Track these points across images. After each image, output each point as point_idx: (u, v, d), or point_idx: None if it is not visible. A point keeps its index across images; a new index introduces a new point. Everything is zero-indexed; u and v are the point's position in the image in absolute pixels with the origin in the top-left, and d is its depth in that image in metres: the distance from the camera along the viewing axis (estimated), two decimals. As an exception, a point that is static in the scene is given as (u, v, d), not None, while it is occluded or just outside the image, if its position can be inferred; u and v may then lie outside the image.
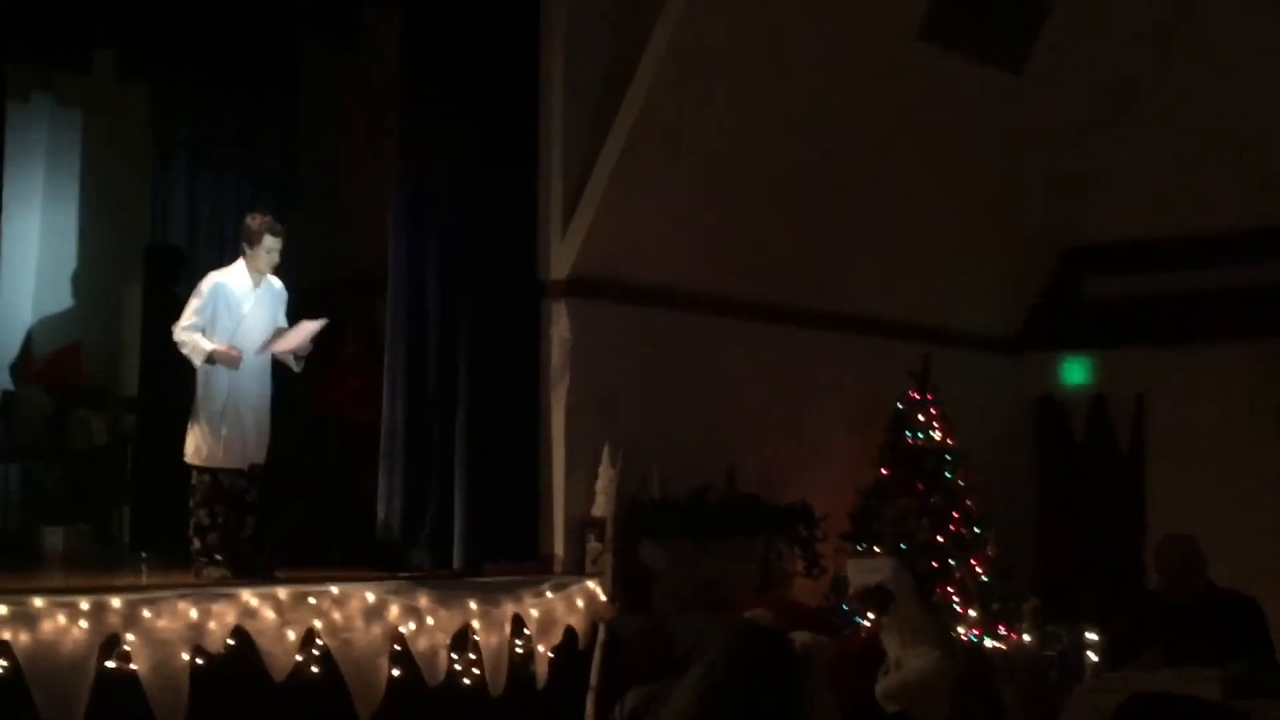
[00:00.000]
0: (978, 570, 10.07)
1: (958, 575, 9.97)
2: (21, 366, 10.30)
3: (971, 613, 9.92)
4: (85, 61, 9.13)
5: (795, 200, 10.15)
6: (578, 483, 9.21)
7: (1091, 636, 9.89)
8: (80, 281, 10.75)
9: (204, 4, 8.65)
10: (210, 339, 7.93)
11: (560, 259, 9.32)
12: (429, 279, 9.10)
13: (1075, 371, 12.33)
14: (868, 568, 9.10)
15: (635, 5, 9.34)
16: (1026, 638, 10.08)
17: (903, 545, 9.92)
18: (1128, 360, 11.94)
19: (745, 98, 9.51)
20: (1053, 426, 12.39)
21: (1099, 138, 11.82)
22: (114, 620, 6.94)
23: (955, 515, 10.12)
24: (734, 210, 9.84)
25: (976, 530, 10.17)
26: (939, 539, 9.98)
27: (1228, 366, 11.41)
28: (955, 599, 9.90)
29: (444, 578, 8.56)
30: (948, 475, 10.23)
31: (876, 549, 9.90)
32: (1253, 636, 7.33)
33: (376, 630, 7.85)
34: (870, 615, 8.78)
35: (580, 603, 8.80)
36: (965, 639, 9.79)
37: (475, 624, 8.24)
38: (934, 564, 9.91)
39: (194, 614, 7.19)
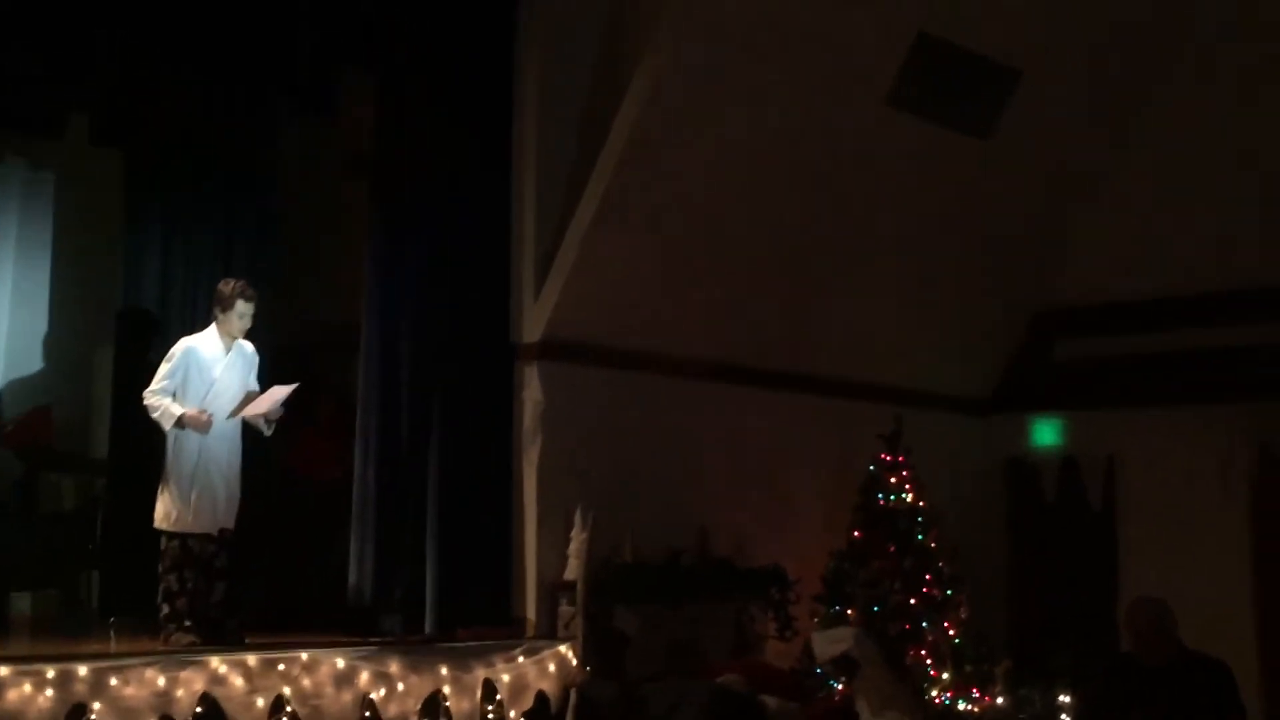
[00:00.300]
0: (950, 632, 10.05)
1: (930, 638, 9.95)
2: (-9, 430, 10.25)
3: (944, 675, 9.89)
4: (59, 126, 9.14)
5: (767, 264, 10.21)
6: (550, 546, 9.20)
7: (1065, 699, 9.88)
8: (51, 344, 10.73)
9: (178, 71, 8.67)
10: (181, 403, 7.92)
11: (533, 322, 9.36)
12: (402, 342, 9.12)
13: (1046, 433, 12.39)
14: (832, 638, 9.15)
15: (608, 73, 9.44)
16: (999, 700, 10.05)
17: (875, 608, 9.90)
18: (1098, 422, 12.01)
19: (716, 164, 9.59)
20: (1024, 488, 12.44)
21: (1069, 202, 11.93)
22: (80, 689, 6.88)
23: (928, 577, 10.10)
24: (706, 274, 9.90)
25: (949, 592, 10.16)
26: (911, 601, 9.96)
27: (1198, 428, 11.47)
28: (928, 661, 9.87)
29: (415, 643, 8.52)
30: (920, 537, 10.23)
31: (849, 612, 9.89)
32: (1224, 699, 7.33)
33: (347, 697, 7.81)
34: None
35: (552, 667, 8.76)
36: (938, 702, 9.76)
37: (446, 690, 8.20)
38: (906, 626, 9.88)
39: (161, 681, 7.14)
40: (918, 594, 10.00)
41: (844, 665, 8.38)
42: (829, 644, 8.93)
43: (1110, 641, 10.60)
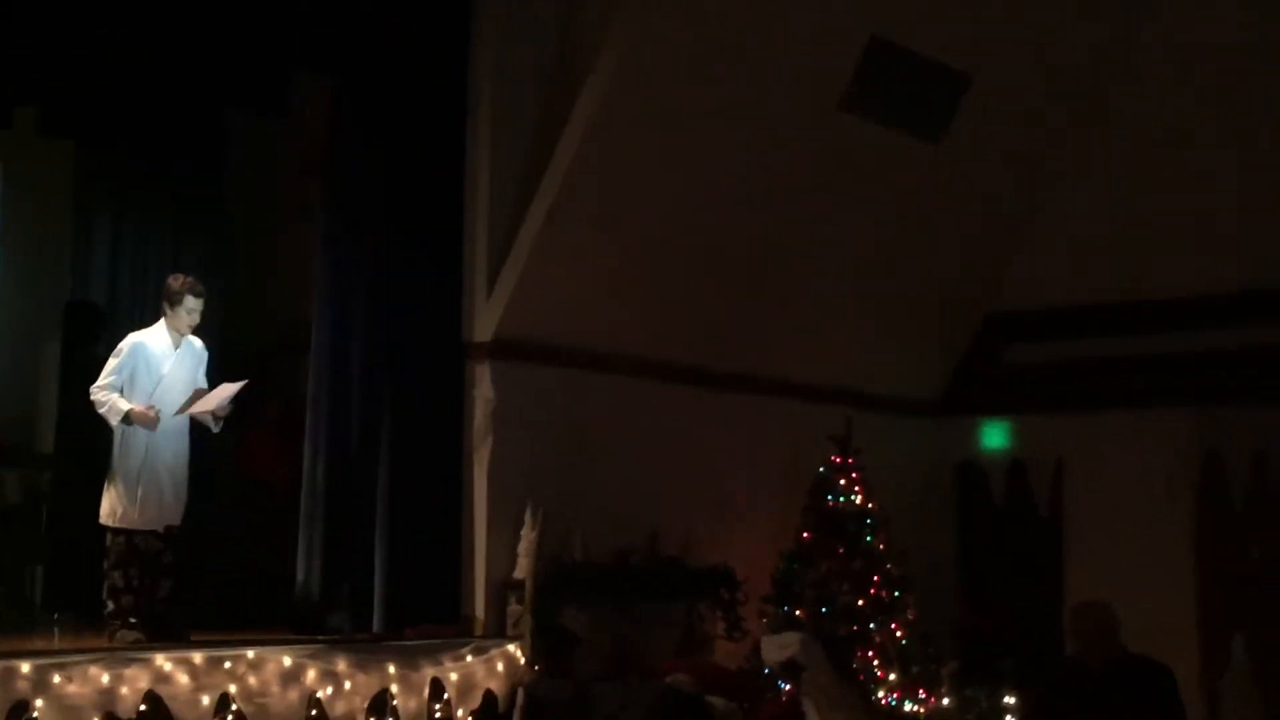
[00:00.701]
0: (898, 634, 10.11)
1: (878, 639, 10.01)
2: (-65, 424, 10.13)
3: (891, 676, 9.95)
4: (6, 116, 9.05)
5: (718, 265, 10.25)
6: (500, 544, 9.20)
7: (1010, 700, 9.95)
8: (-4, 338, 10.61)
9: (129, 63, 8.61)
10: (129, 399, 7.86)
11: (484, 321, 9.36)
12: (352, 341, 9.10)
13: (995, 436, 12.48)
14: (778, 643, 9.21)
15: (561, 74, 9.46)
16: (945, 701, 10.12)
17: (824, 609, 9.95)
18: (1046, 426, 12.11)
19: (667, 165, 9.61)
20: (973, 491, 12.52)
21: (1018, 205, 12.03)
22: (23, 686, 6.82)
23: (876, 579, 10.16)
24: (657, 274, 9.92)
25: (897, 594, 10.22)
26: (860, 603, 10.02)
27: (1145, 432, 11.58)
28: (875, 663, 9.93)
29: (363, 641, 8.49)
30: (869, 539, 10.28)
31: (799, 613, 9.93)
32: (1166, 701, 7.42)
33: (293, 695, 7.78)
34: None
35: (500, 666, 8.76)
36: (885, 703, 9.82)
37: (394, 688, 8.18)
38: (854, 628, 9.94)
39: (106, 679, 7.09)
40: (866, 595, 10.06)
41: (790, 669, 8.43)
42: (776, 649, 8.99)
43: (1056, 644, 10.70)
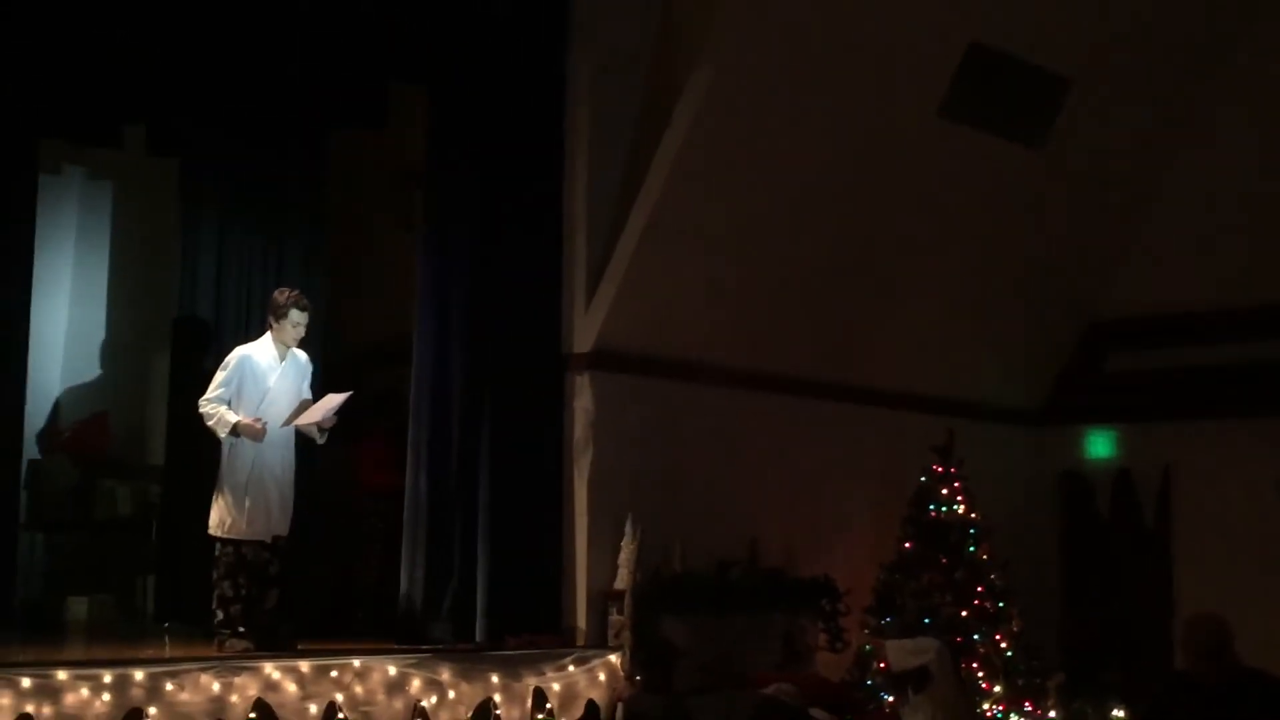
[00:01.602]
0: (1002, 645, 9.99)
1: (982, 650, 9.88)
2: (49, 436, 10.37)
3: (996, 688, 9.83)
4: (116, 136, 9.26)
5: (818, 275, 10.20)
6: (600, 555, 9.21)
7: (1118, 714, 9.79)
8: (108, 352, 10.84)
9: (233, 82, 8.77)
10: (236, 411, 7.99)
11: (584, 332, 9.38)
12: (453, 352, 9.16)
13: (1100, 445, 12.28)
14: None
15: (659, 84, 9.45)
16: (1052, 714, 9.98)
17: (926, 620, 9.85)
18: (1153, 434, 11.90)
19: (765, 175, 9.58)
20: (1077, 501, 12.34)
21: (1122, 210, 11.85)
22: (137, 693, 6.96)
23: (979, 590, 10.05)
24: (757, 284, 9.89)
25: (1001, 605, 10.10)
26: (963, 614, 9.91)
27: (1254, 440, 11.35)
28: (980, 674, 9.81)
29: (466, 651, 8.55)
30: (971, 549, 10.17)
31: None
32: (1280, 717, 7.24)
33: (398, 704, 7.85)
34: (895, 693, 8.72)
35: (602, 676, 8.76)
36: (990, 715, 9.70)
37: (497, 698, 8.22)
38: (958, 639, 9.82)
39: (216, 687, 7.22)
40: (969, 606, 9.95)
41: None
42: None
43: (1165, 657, 10.51)
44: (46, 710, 6.69)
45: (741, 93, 9.23)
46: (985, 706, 9.71)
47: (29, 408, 8.98)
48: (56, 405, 10.55)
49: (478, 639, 8.84)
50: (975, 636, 9.92)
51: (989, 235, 11.02)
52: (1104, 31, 10.50)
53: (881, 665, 9.50)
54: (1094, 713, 9.97)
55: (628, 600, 8.90)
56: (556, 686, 8.52)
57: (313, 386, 8.38)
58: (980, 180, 10.64)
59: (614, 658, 8.86)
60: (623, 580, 9.11)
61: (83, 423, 10.49)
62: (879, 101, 9.78)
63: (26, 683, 6.69)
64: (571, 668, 8.66)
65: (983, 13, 9.96)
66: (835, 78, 9.51)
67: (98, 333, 10.85)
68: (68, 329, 10.72)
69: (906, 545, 10.20)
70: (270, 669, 7.44)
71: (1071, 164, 11.06)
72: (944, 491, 10.27)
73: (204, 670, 7.22)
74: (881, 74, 9.69)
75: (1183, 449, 11.70)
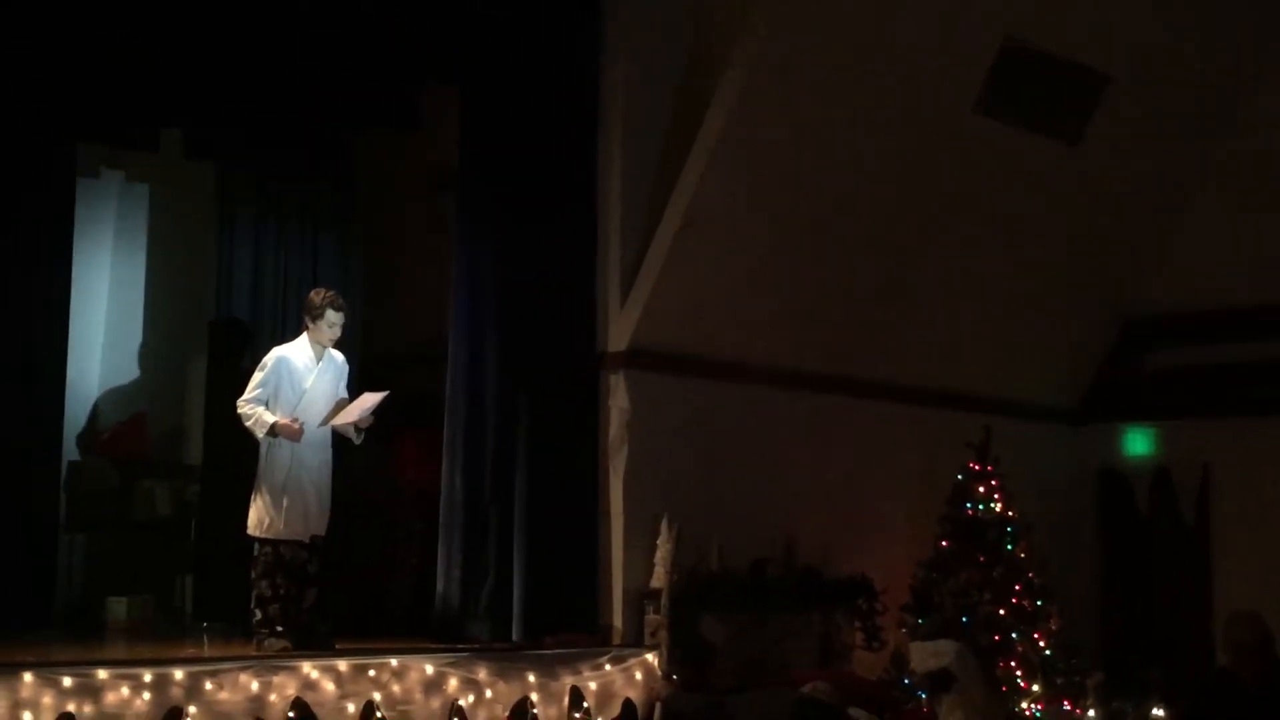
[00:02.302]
0: (1041, 644, 9.92)
1: (1020, 649, 9.82)
2: (88, 437, 10.45)
3: (1035, 687, 9.77)
4: (153, 140, 9.34)
5: (854, 272, 10.17)
6: (636, 554, 9.20)
7: (1158, 713, 9.72)
8: (146, 354, 10.92)
9: (267, 86, 8.83)
10: (273, 412, 8.03)
11: (619, 331, 9.38)
12: (488, 351, 9.18)
13: (1138, 443, 12.20)
14: (931, 651, 9.04)
15: (692, 80, 9.45)
16: (1091, 713, 9.91)
17: (965, 618, 9.80)
18: (1192, 431, 11.80)
19: (800, 172, 9.56)
20: (1116, 499, 12.26)
21: (1160, 206, 11.77)
22: (177, 692, 7.01)
23: (1017, 588, 9.98)
24: (790, 282, 9.87)
25: (1039, 603, 10.02)
26: (1001, 612, 9.84)
27: (1294, 437, 11.27)
28: (1018, 673, 9.75)
29: (503, 650, 8.56)
30: (1009, 547, 10.10)
31: (940, 622, 9.79)
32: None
33: (435, 703, 7.87)
34: (926, 694, 8.69)
35: (639, 675, 8.76)
36: (1029, 714, 9.64)
37: (534, 697, 8.23)
38: (996, 638, 9.77)
39: (255, 686, 7.26)
40: (1007, 605, 9.88)
41: (941, 679, 8.30)
42: (928, 657, 8.84)
43: (1205, 656, 10.44)
44: (88, 709, 6.74)
45: (775, 91, 9.21)
46: (1024, 705, 9.65)
47: (68, 410, 9.08)
48: (95, 407, 10.62)
49: (514, 638, 8.86)
50: (1013, 635, 9.84)
51: (1026, 231, 10.96)
52: (1142, 27, 10.43)
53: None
54: (1133, 712, 9.88)
55: (665, 599, 8.89)
56: (593, 686, 8.52)
57: (348, 387, 8.42)
58: (1016, 176, 10.59)
59: (650, 657, 8.86)
60: (659, 579, 9.10)
61: (121, 424, 10.56)
62: (914, 98, 9.74)
63: (68, 682, 6.75)
64: (608, 667, 8.66)
65: (1017, 8, 9.90)
66: (869, 73, 9.47)
67: (136, 335, 10.93)
68: (106, 331, 10.80)
69: (944, 543, 10.14)
70: (308, 668, 7.48)
71: (1109, 160, 10.98)
72: (981, 489, 10.21)
73: (243, 669, 7.26)
74: (916, 71, 9.65)
75: (1222, 446, 11.60)
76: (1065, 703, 9.86)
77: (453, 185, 9.64)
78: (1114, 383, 12.34)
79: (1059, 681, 9.90)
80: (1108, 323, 12.24)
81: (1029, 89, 10.31)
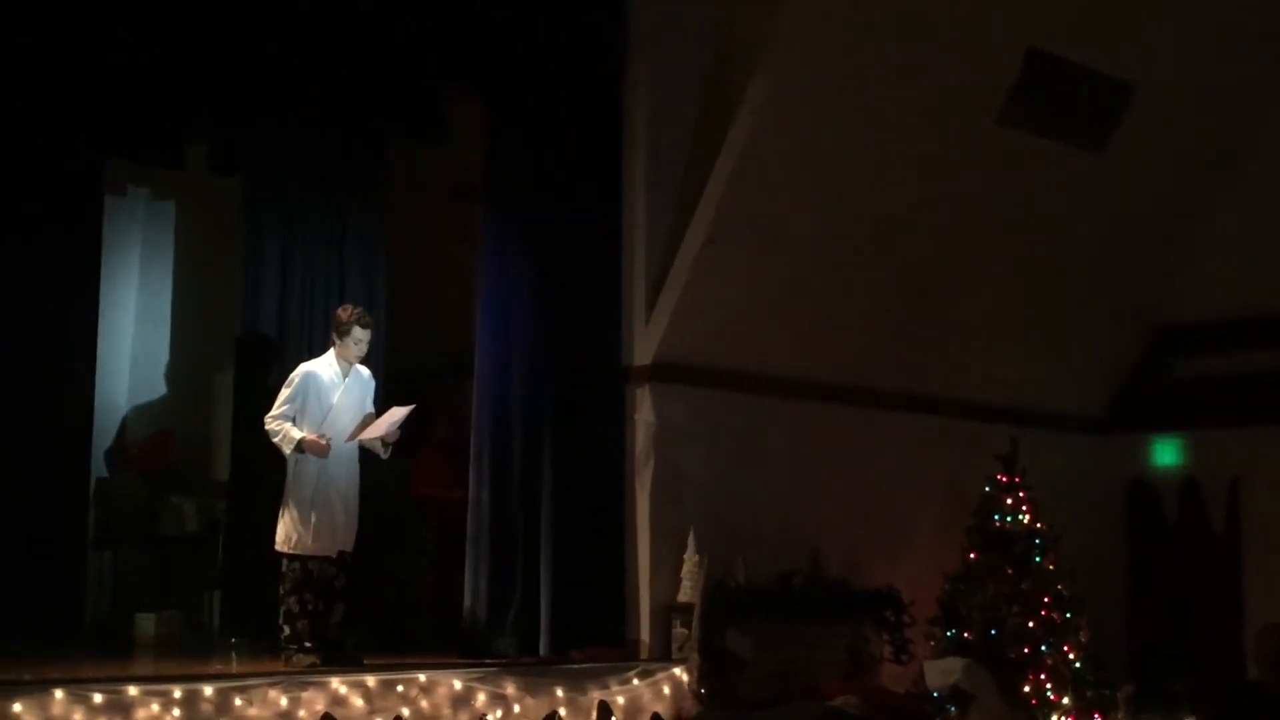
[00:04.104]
0: (1070, 656, 9.88)
1: (1050, 661, 9.79)
2: (116, 453, 10.48)
3: (1064, 700, 9.72)
4: (179, 156, 9.39)
5: (878, 283, 10.15)
6: (663, 568, 9.20)
7: (1189, 724, 9.67)
8: (174, 370, 10.96)
9: (292, 101, 8.86)
10: (300, 427, 8.04)
11: (644, 344, 9.38)
12: (514, 365, 9.18)
13: (1166, 453, 12.12)
14: (941, 669, 9.05)
15: (718, 92, 9.45)
16: (1121, 726, 9.87)
17: (993, 631, 9.77)
18: (1221, 442, 11.72)
19: (826, 184, 9.55)
20: (1144, 509, 12.19)
21: (1190, 215, 11.71)
22: (206, 708, 7.03)
23: (1046, 600, 9.95)
24: (816, 294, 9.86)
25: (1068, 615, 9.99)
26: (1030, 625, 9.81)
27: (1325, 448, 11.19)
28: (1048, 686, 9.71)
29: (530, 664, 8.56)
30: (1037, 559, 10.07)
31: (965, 635, 9.76)
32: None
33: (464, 718, 7.88)
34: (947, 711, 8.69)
35: (667, 690, 8.75)
36: (1058, 727, 9.62)
37: (562, 711, 8.22)
38: (1025, 650, 9.74)
39: (284, 702, 7.27)
40: (1036, 617, 9.85)
41: (957, 696, 8.30)
42: (940, 675, 8.85)
43: (1235, 668, 10.37)
44: (118, 725, 6.76)
45: (799, 104, 9.21)
46: (1054, 718, 9.61)
47: (96, 426, 9.11)
48: (123, 423, 10.66)
49: (542, 652, 8.85)
50: (1043, 648, 9.82)
51: (1051, 241, 10.92)
52: (1165, 35, 10.39)
53: None
54: (1164, 723, 9.84)
55: (696, 613, 8.87)
56: (621, 700, 8.51)
57: (375, 402, 8.43)
58: (1041, 185, 10.56)
59: (678, 670, 8.85)
60: (685, 593, 9.10)
61: (149, 440, 10.60)
62: (937, 109, 9.72)
63: (98, 699, 6.77)
64: (636, 681, 8.65)
65: (1040, 19, 9.88)
66: (893, 85, 9.46)
67: (163, 351, 10.96)
68: (133, 348, 10.84)
69: (971, 555, 10.12)
70: (337, 683, 7.49)
71: (1136, 168, 10.94)
72: (1009, 501, 10.18)
73: (272, 685, 7.27)
74: (939, 82, 9.63)
75: (1251, 457, 11.52)
76: (1096, 715, 9.82)
77: (477, 197, 9.66)
78: (1142, 392, 12.27)
79: (1089, 694, 9.86)
80: (1135, 332, 12.18)
81: (1053, 99, 10.27)
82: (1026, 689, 9.61)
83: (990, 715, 8.95)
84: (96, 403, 8.93)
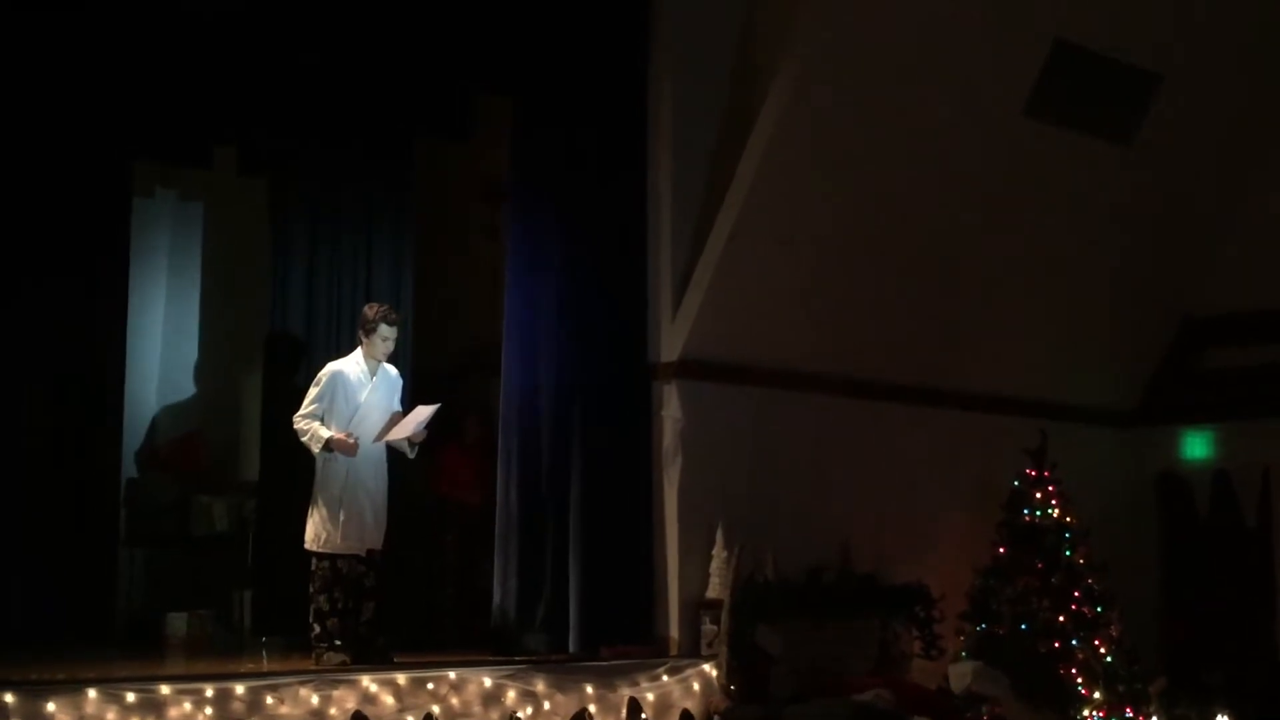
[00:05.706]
0: (1101, 651, 9.83)
1: (1081, 656, 9.74)
2: (146, 453, 10.54)
3: (1096, 695, 9.67)
4: (206, 157, 9.43)
5: (905, 277, 10.12)
6: (692, 564, 9.19)
7: (1222, 718, 9.60)
8: (202, 370, 11.00)
9: (320, 100, 8.89)
10: (328, 426, 8.07)
11: (671, 341, 9.37)
12: (541, 363, 9.19)
13: (1197, 445, 12.06)
14: (958, 673, 9.03)
15: (743, 89, 9.43)
16: (1154, 720, 9.82)
17: (1024, 625, 9.73)
18: (1252, 433, 11.65)
19: (852, 179, 9.53)
20: (1175, 502, 12.12)
21: (1218, 206, 11.64)
22: (238, 707, 7.06)
23: (1077, 594, 9.89)
24: (843, 288, 9.83)
25: (1099, 609, 9.93)
26: (1060, 619, 9.77)
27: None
28: (1079, 680, 9.66)
29: (560, 661, 8.57)
30: (1068, 553, 10.02)
31: (1000, 630, 9.72)
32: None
33: (494, 715, 7.89)
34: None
35: (696, 686, 8.75)
36: (1090, 722, 9.57)
37: (592, 708, 8.23)
38: (1056, 644, 9.70)
39: (315, 700, 7.30)
40: (1067, 611, 9.80)
41: (972, 700, 8.30)
42: (956, 678, 8.86)
43: (1269, 661, 10.31)
44: (151, 725, 6.80)
45: (825, 98, 9.18)
46: (1085, 713, 9.56)
47: (126, 426, 9.15)
48: (153, 423, 10.71)
49: (571, 649, 8.86)
50: (1073, 642, 9.77)
51: (1079, 233, 10.86)
52: (1193, 25, 10.33)
53: None
54: (1197, 717, 9.77)
55: (725, 609, 8.86)
56: (651, 696, 8.51)
57: (402, 401, 8.45)
58: (1069, 178, 10.50)
59: (708, 667, 8.84)
60: (714, 589, 9.09)
61: (179, 440, 10.65)
62: (963, 101, 9.69)
63: (131, 697, 6.81)
64: (665, 677, 8.65)
65: (1067, 10, 9.83)
66: (918, 78, 9.43)
67: (191, 352, 11.01)
68: (162, 349, 10.88)
69: (1001, 550, 10.07)
70: (368, 681, 7.51)
71: (1164, 159, 10.88)
72: (1038, 495, 10.13)
73: (303, 683, 7.30)
74: (965, 74, 9.60)
75: (1283, 447, 11.47)
76: (1128, 710, 9.76)
77: (504, 196, 9.67)
78: (1172, 384, 12.20)
79: (1121, 689, 9.80)
80: (1164, 324, 12.11)
81: (1080, 90, 10.22)
82: (1047, 689, 9.53)
83: (1013, 716, 8.93)
84: (126, 403, 8.97)
